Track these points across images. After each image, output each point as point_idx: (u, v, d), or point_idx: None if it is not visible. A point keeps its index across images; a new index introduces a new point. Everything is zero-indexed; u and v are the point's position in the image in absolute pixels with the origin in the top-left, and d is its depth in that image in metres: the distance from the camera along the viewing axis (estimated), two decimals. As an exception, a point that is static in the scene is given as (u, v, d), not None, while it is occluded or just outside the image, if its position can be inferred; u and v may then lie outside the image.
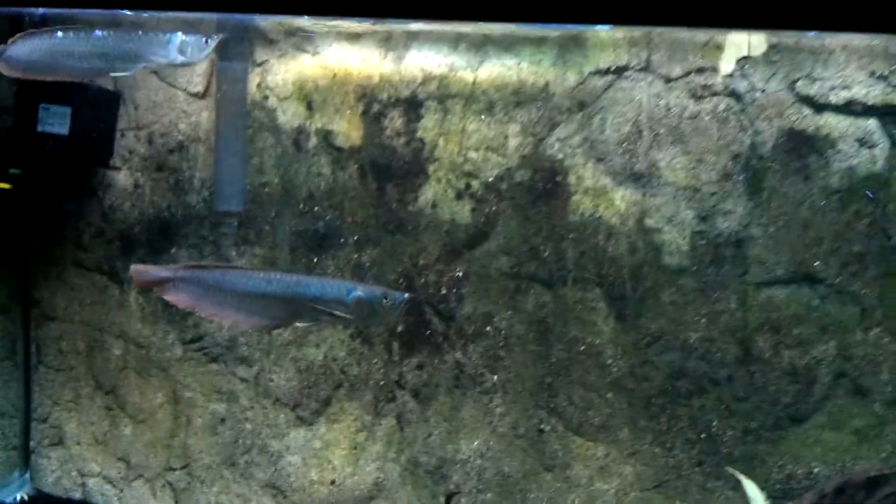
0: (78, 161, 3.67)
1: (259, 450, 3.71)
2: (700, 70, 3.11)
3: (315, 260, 3.59)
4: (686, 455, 3.26)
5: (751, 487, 2.90)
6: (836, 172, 3.02)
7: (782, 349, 3.14)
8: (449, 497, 3.50)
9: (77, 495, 3.94)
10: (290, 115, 3.58)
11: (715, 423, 3.23)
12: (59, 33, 2.97)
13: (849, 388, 3.09)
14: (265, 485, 3.70)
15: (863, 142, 2.99)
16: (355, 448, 3.61)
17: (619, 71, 3.21)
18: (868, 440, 3.09)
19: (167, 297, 2.78)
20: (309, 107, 3.56)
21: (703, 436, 3.24)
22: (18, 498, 3.92)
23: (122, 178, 3.79)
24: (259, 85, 3.59)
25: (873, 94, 2.96)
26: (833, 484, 2.96)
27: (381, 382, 3.57)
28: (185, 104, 3.69)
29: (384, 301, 2.78)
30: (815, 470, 3.13)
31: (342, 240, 3.56)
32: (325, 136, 3.55)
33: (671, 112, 3.15)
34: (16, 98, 3.60)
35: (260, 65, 3.59)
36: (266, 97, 3.59)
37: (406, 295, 2.81)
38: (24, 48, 2.89)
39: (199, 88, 3.64)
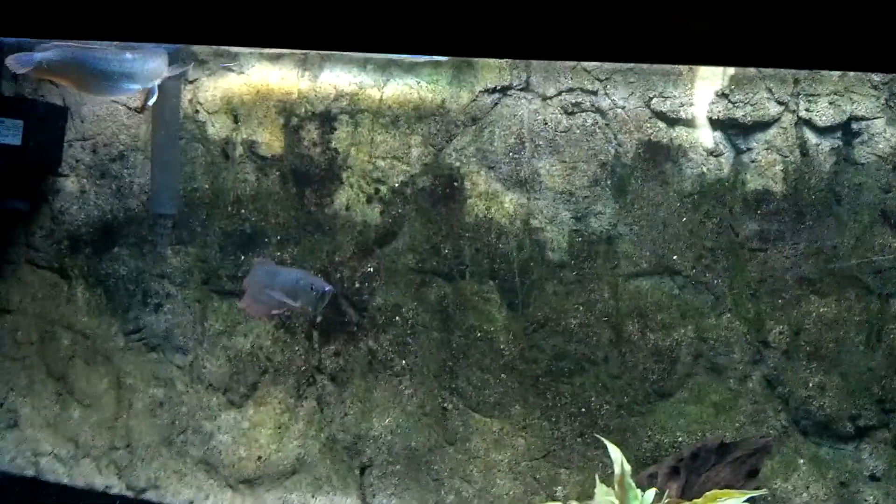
0: (30, 170, 4.05)
1: (193, 430, 4.10)
2: (570, 90, 3.54)
3: (242, 258, 3.99)
4: (569, 427, 3.68)
5: (613, 450, 3.30)
6: (688, 178, 3.46)
7: (648, 333, 3.57)
8: (363, 469, 3.90)
9: (30, 473, 4.31)
10: (218, 128, 3.99)
11: (593, 399, 3.65)
12: (97, 53, 3.23)
13: (706, 367, 3.52)
14: (199, 461, 4.09)
15: (710, 151, 3.43)
16: (279, 427, 4.00)
17: (504, 90, 3.64)
18: (724, 412, 3.52)
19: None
20: (235, 120, 3.97)
21: (583, 410, 3.66)
22: (-24, 477, 4.30)
23: (70, 184, 4.18)
24: (191, 100, 4.00)
25: (717, 109, 3.40)
26: (689, 449, 3.38)
27: (303, 368, 3.97)
28: (126, 118, 4.08)
29: (311, 291, 3.24)
30: (680, 439, 3.56)
31: (266, 239, 3.96)
32: (250, 146, 3.96)
33: (548, 126, 3.58)
34: (-28, 113, 3.99)
35: (191, 82, 3.99)
36: (197, 111, 4.00)
37: (327, 288, 3.28)
38: (59, 56, 3.17)
39: (138, 104, 4.04)
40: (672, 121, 3.45)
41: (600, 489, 3.38)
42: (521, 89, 3.61)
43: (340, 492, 3.91)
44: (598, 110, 3.51)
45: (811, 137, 3.33)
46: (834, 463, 3.42)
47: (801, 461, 3.45)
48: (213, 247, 4.03)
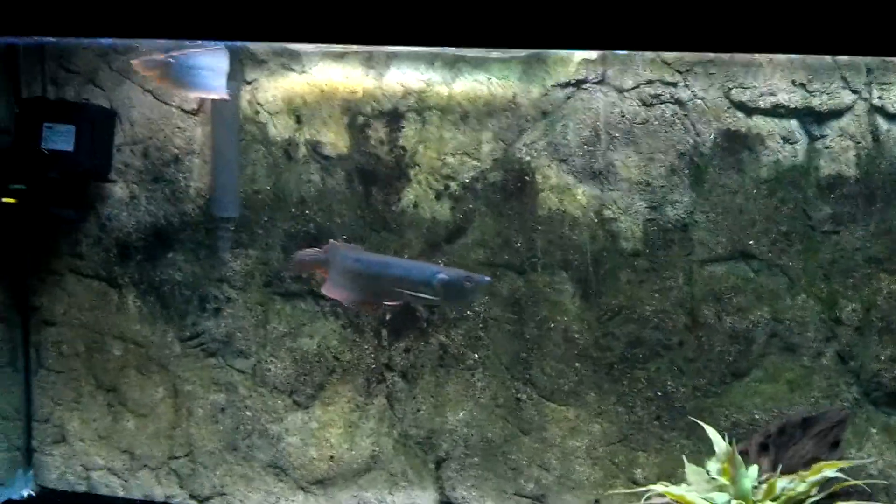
0: (80, 176, 3.91)
1: (259, 434, 4.05)
2: (649, 82, 3.63)
3: (307, 258, 3.95)
4: (646, 412, 3.78)
5: (711, 432, 3.42)
6: (764, 165, 3.59)
7: (724, 316, 3.69)
8: (439, 463, 3.92)
9: (82, 488, 4.18)
10: (280, 129, 3.93)
11: (669, 383, 3.75)
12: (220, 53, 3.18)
13: (781, 346, 3.67)
14: (267, 465, 4.04)
15: (786, 139, 3.57)
16: (350, 426, 3.99)
17: (578, 84, 3.70)
18: (799, 388, 3.67)
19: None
20: (298, 120, 3.92)
21: (659, 394, 3.76)
22: (25, 494, 4.14)
23: (119, 190, 4.05)
24: (250, 101, 3.93)
25: (794, 99, 3.54)
26: (775, 425, 3.52)
27: (372, 366, 3.96)
28: (180, 120, 3.98)
29: (467, 283, 3.21)
30: (756, 417, 3.69)
31: (332, 239, 3.92)
32: (314, 146, 3.92)
33: (625, 118, 3.67)
34: (18, 119, 3.83)
35: (250, 83, 3.93)
36: (257, 112, 3.93)
37: (487, 278, 3.26)
38: (189, 63, 3.10)
39: (193, 106, 3.95)
40: (750, 110, 3.57)
41: (690, 469, 3.49)
42: (597, 83, 3.68)
43: (418, 486, 3.93)
44: (678, 101, 3.61)
45: (882, 124, 3.50)
46: (905, 431, 3.61)
47: (874, 430, 3.63)
48: (275, 249, 3.97)
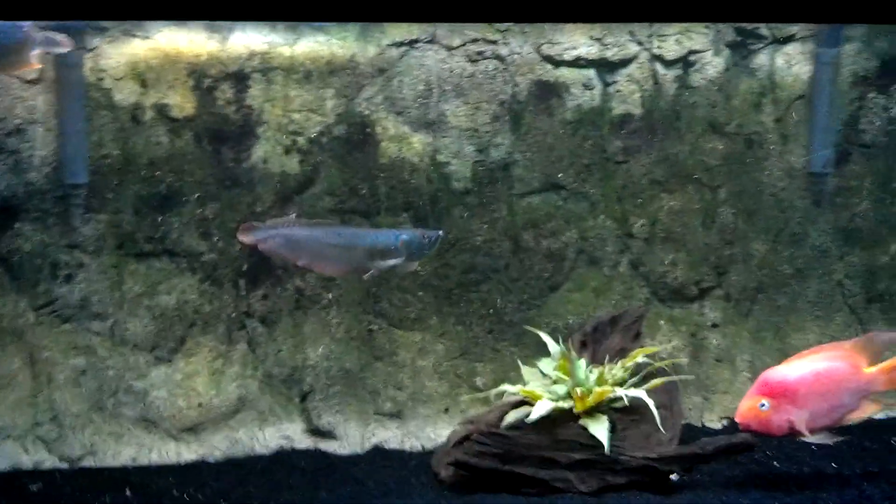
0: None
1: (124, 391, 4.18)
2: (474, 40, 4.16)
3: (160, 218, 4.12)
4: (480, 328, 4.38)
5: (545, 336, 4.05)
6: (569, 109, 4.27)
7: (541, 239, 4.35)
8: (304, 396, 4.29)
9: (-61, 468, 4.11)
10: (125, 94, 4.03)
11: (499, 301, 4.37)
12: None
13: (586, 261, 4.40)
14: (136, 420, 4.19)
15: (586, 86, 4.25)
16: (215, 374, 4.24)
17: (411, 43, 4.16)
18: (602, 294, 4.42)
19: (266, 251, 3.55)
20: (143, 84, 4.05)
21: (490, 311, 4.37)
22: None
23: (-44, 164, 3.98)
24: (92, 68, 3.99)
25: (592, 52, 4.23)
26: (590, 325, 4.22)
27: (232, 315, 4.23)
28: (20, 90, 3.96)
29: (424, 238, 3.63)
30: (570, 321, 4.40)
31: (184, 198, 4.12)
32: (161, 109, 4.07)
33: (453, 73, 4.18)
34: None
35: (91, 50, 3.99)
36: (101, 79, 4.01)
37: (440, 231, 3.65)
38: None
39: (34, 75, 3.94)
40: (557, 63, 4.22)
41: (526, 370, 4.11)
42: (428, 42, 4.15)
43: (286, 420, 4.28)
44: (498, 57, 4.18)
45: (661, 69, 4.29)
46: (685, 319, 4.49)
47: (662, 322, 4.47)
48: (126, 212, 4.09)
